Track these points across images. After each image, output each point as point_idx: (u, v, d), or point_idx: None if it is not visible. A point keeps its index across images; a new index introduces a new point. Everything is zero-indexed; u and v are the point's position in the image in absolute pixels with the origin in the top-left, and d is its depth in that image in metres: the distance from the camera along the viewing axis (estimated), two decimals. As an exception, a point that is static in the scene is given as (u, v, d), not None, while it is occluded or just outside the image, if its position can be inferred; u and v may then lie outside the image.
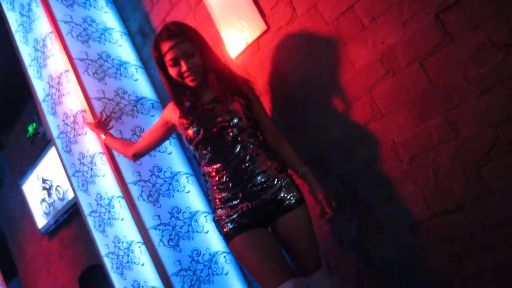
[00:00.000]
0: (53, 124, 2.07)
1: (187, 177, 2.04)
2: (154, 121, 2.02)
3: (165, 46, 1.37)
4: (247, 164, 1.38)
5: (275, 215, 1.40)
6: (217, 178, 1.40)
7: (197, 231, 1.94)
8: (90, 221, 2.03)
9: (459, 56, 1.28)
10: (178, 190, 1.98)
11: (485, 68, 1.24)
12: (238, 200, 1.38)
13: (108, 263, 2.00)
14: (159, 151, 2.00)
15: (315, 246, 1.45)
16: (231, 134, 1.39)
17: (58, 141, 2.06)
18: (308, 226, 1.43)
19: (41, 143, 3.62)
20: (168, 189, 1.94)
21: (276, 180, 1.40)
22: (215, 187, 1.41)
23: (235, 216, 1.37)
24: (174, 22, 1.44)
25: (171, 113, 1.52)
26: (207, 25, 1.87)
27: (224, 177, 1.38)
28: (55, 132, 2.07)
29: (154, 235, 1.79)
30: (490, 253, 1.31)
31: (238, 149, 1.38)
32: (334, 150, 1.61)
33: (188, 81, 1.40)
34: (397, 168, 1.46)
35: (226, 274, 1.95)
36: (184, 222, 1.93)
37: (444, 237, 1.40)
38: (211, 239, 1.96)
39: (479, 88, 1.26)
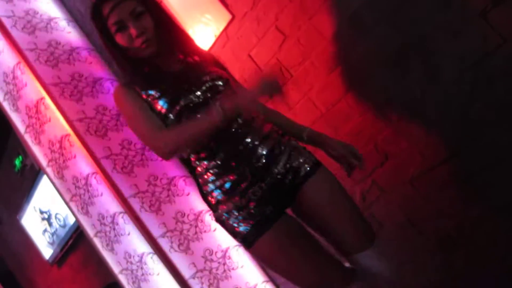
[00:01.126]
0: (40, 154, 2.04)
1: (184, 180, 2.04)
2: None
3: (106, 8, 1.07)
4: (243, 133, 1.09)
5: (294, 188, 1.12)
6: (208, 160, 1.09)
7: (205, 231, 1.95)
8: (97, 241, 2.02)
9: (424, 4, 1.29)
10: (178, 195, 1.98)
11: (450, 11, 1.26)
12: (247, 182, 1.07)
13: (123, 279, 2.00)
14: (151, 159, 1.99)
15: (356, 213, 1.15)
16: (220, 96, 1.09)
17: (48, 170, 2.04)
18: (339, 189, 1.15)
19: (31, 174, 3.59)
20: (168, 195, 1.93)
21: (282, 146, 1.12)
22: (209, 173, 1.10)
23: (249, 207, 1.07)
24: None
25: (132, 89, 1.13)
26: (172, 25, 1.86)
27: (220, 155, 1.08)
28: (43, 162, 2.05)
29: (164, 243, 1.79)
30: (491, 193, 1.34)
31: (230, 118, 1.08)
32: (321, 126, 1.61)
33: (142, 48, 1.09)
34: (388, 127, 1.47)
35: (242, 267, 1.96)
36: (190, 225, 1.93)
37: (445, 185, 1.42)
38: (220, 236, 1.96)
39: (448, 33, 1.27)
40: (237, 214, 1.08)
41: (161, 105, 1.08)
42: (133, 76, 1.13)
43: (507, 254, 1.35)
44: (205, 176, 1.11)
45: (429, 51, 1.32)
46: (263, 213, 1.07)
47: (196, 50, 1.20)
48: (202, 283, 1.82)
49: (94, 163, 1.83)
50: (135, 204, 1.83)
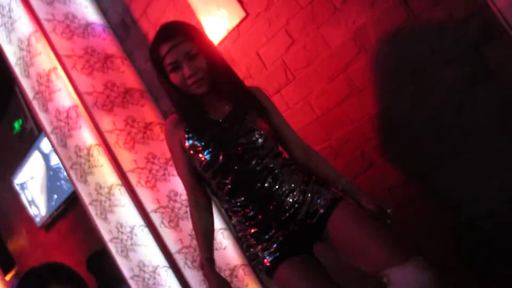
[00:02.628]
0: (45, 120, 2.13)
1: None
2: (144, 110, 2.12)
3: (164, 48, 1.16)
4: (273, 189, 1.18)
5: (317, 228, 1.20)
6: (242, 213, 1.20)
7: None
8: (91, 209, 2.13)
9: (424, 31, 1.40)
10: (173, 175, 2.09)
11: (448, 40, 1.37)
12: (273, 231, 1.18)
13: (112, 248, 2.12)
14: (152, 138, 2.10)
15: (385, 230, 1.16)
16: (256, 157, 1.18)
17: (52, 136, 2.13)
18: (360, 215, 1.19)
19: (29, 138, 3.66)
20: (164, 174, 2.05)
21: (306, 193, 1.20)
22: (243, 223, 1.21)
23: (273, 247, 1.17)
24: (173, 21, 1.26)
25: (176, 132, 1.24)
26: (187, 15, 1.94)
27: (251, 212, 1.19)
28: (48, 128, 2.14)
29: (155, 218, 1.91)
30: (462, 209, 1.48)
31: (263, 175, 1.18)
32: (315, 128, 1.73)
33: (194, 88, 1.17)
34: (375, 139, 1.60)
35: (225, 249, 2.09)
36: (181, 204, 2.04)
37: (418, 197, 1.56)
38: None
39: (442, 59, 1.39)
40: (265, 254, 1.19)
41: (204, 156, 1.18)
42: (184, 116, 1.24)
43: (463, 266, 1.50)
44: (241, 225, 1.22)
45: (424, 72, 1.44)
46: (285, 249, 1.17)
47: (244, 91, 1.27)
48: (186, 259, 1.95)
49: (98, 136, 1.94)
50: (133, 178, 1.94)
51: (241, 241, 1.28)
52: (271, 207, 1.18)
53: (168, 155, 2.10)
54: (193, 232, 1.95)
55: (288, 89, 1.76)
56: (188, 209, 1.99)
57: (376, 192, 1.64)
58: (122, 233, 2.02)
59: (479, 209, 1.44)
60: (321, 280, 1.15)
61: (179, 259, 1.90)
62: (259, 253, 1.19)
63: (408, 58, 1.45)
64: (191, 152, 1.21)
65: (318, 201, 1.20)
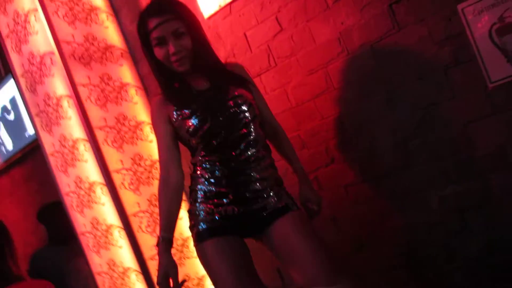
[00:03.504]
0: (17, 62, 2.06)
1: (150, 126, 2.16)
2: (122, 71, 2.09)
3: (152, 23, 1.19)
4: (248, 165, 1.22)
5: (263, 224, 1.24)
6: (210, 170, 1.23)
7: (157, 178, 2.09)
8: (52, 160, 2.10)
9: (404, 44, 1.48)
10: (141, 139, 2.09)
11: (422, 57, 1.46)
12: (226, 201, 1.22)
13: (68, 201, 2.11)
14: (126, 99, 2.08)
15: (324, 251, 1.17)
16: (243, 119, 1.22)
17: (22, 80, 2.06)
18: (307, 227, 1.23)
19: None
20: (132, 137, 2.05)
21: (272, 192, 1.25)
22: (204, 179, 1.25)
23: (215, 216, 1.22)
24: None
25: (164, 108, 1.27)
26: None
27: (220, 171, 1.22)
28: (19, 70, 2.07)
29: (117, 178, 1.92)
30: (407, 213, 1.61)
31: (247, 142, 1.22)
32: (288, 117, 1.79)
33: (176, 65, 1.21)
34: (340, 137, 1.68)
35: (181, 219, 2.13)
36: (145, 169, 2.06)
37: (371, 197, 1.67)
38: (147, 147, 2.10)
39: (414, 75, 1.48)
40: (204, 218, 1.23)
41: (192, 122, 1.21)
42: (168, 90, 1.27)
43: (401, 265, 1.63)
44: (201, 180, 1.26)
45: (396, 83, 1.52)
46: (223, 225, 1.22)
47: (225, 70, 1.31)
48: (141, 222, 1.97)
49: (71, 87, 1.90)
50: (100, 136, 1.93)
51: (192, 193, 1.29)
52: (238, 180, 1.22)
53: (138, 117, 2.11)
54: (152, 198, 2.00)
55: (268, 75, 1.80)
56: (150, 175, 2.03)
57: (333, 187, 1.74)
58: (80, 188, 2.01)
59: (421, 216, 1.56)
60: (241, 269, 1.17)
61: (134, 222, 1.93)
62: (201, 212, 1.23)
63: (383, 67, 1.53)
64: (180, 119, 1.23)
65: (277, 202, 1.25)
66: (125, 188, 1.94)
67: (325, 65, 1.65)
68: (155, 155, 2.11)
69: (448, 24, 1.39)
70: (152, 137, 2.13)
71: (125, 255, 1.95)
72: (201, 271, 2.13)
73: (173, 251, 1.96)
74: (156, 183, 2.05)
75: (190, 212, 1.28)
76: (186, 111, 1.22)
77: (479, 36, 1.36)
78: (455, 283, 1.55)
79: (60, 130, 2.00)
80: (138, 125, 2.09)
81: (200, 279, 2.15)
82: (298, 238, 1.18)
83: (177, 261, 1.96)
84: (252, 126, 1.24)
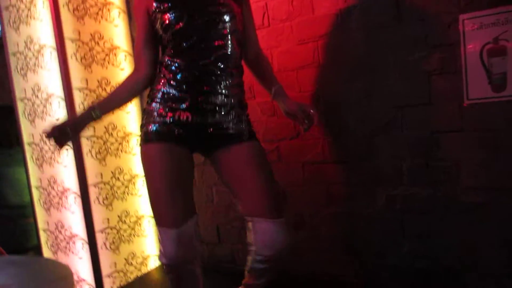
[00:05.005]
0: None
1: (125, 55, 2.06)
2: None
3: None
4: (217, 77, 1.17)
5: (217, 143, 1.22)
6: (174, 72, 1.17)
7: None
8: (13, 61, 1.96)
9: (398, 39, 1.46)
10: (113, 64, 2.00)
11: (411, 57, 1.45)
12: (183, 107, 1.17)
13: (20, 107, 2.00)
14: (106, 19, 1.96)
15: (270, 185, 1.20)
16: (221, 30, 1.16)
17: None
18: (260, 161, 1.22)
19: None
20: (104, 59, 1.95)
21: (234, 112, 1.21)
22: (165, 80, 1.19)
23: (169, 120, 1.17)
24: None
25: (145, 2, 1.20)
26: None
27: (182, 76, 1.16)
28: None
29: (77, 97, 1.83)
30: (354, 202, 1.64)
31: (219, 55, 1.17)
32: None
33: None
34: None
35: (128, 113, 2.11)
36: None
37: (322, 181, 1.69)
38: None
39: (399, 72, 1.47)
40: (156, 119, 1.18)
41: (169, 17, 1.15)
42: None
43: (336, 249, 1.69)
44: (162, 80, 1.20)
45: (379, 75, 1.51)
46: (173, 132, 1.17)
47: None
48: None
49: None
50: (70, 48, 1.81)
51: (151, 92, 1.24)
52: (199, 89, 1.17)
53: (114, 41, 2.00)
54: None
55: (259, 34, 1.72)
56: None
57: (291, 161, 1.74)
58: (37, 97, 1.90)
59: (365, 208, 1.60)
60: (179, 184, 1.15)
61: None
62: (154, 113, 1.19)
63: (372, 56, 1.51)
64: (157, 11, 1.17)
65: (235, 124, 1.22)
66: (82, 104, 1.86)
67: (317, 39, 1.61)
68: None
69: (446, 31, 1.38)
70: (123, 65, 2.05)
71: (65, 175, 1.90)
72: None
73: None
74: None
75: (145, 110, 1.24)
76: (165, 4, 1.16)
77: (471, 51, 1.36)
78: (381, 279, 1.62)
79: (28, 30, 1.86)
80: (114, 49, 1.99)
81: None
82: (251, 170, 1.19)
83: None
84: (230, 40, 1.18)
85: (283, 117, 1.69)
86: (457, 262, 1.45)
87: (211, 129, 1.19)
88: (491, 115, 1.34)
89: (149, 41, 1.23)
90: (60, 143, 1.19)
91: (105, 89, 1.96)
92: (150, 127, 1.19)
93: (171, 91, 1.18)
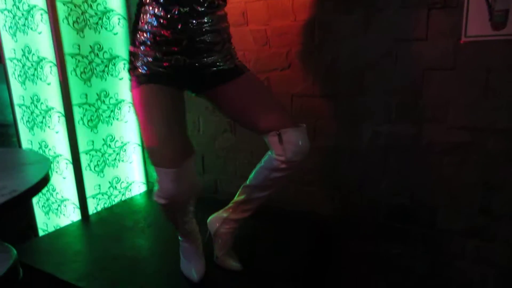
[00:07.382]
0: None
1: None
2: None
3: None
4: (207, 13, 1.14)
5: (212, 83, 1.23)
6: (165, 11, 1.11)
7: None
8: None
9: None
10: (106, 29, 1.97)
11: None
12: (177, 49, 1.14)
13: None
14: None
15: (280, 103, 1.28)
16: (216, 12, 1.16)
17: None
18: (263, 85, 1.28)
19: None
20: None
21: (225, 46, 1.22)
22: (155, 18, 1.12)
23: (163, 63, 1.15)
24: None
25: None
26: None
27: (173, 14, 1.11)
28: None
29: (69, 64, 1.81)
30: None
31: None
32: (260, 9, 1.67)
33: None
34: (307, 45, 1.62)
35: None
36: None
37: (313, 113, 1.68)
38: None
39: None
40: (148, 61, 1.15)
41: None
42: None
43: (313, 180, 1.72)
44: (152, 17, 1.13)
45: (378, 3, 1.43)
46: (169, 75, 1.15)
47: None
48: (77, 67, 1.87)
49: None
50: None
51: (137, 33, 1.18)
52: (194, 27, 1.13)
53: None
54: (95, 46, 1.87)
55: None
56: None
57: (281, 93, 1.71)
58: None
59: (349, 144, 1.62)
60: (175, 118, 1.15)
61: (69, 65, 1.81)
62: (144, 55, 1.15)
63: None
64: None
65: (228, 60, 1.23)
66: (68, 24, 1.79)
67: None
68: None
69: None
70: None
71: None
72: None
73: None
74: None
75: (134, 54, 1.18)
76: None
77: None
78: (358, 213, 1.66)
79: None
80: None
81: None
82: (260, 92, 1.26)
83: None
84: None
85: (276, 47, 1.66)
86: (430, 199, 1.49)
87: (206, 70, 1.20)
88: (486, 55, 1.30)
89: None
90: None
91: (97, 55, 1.90)
92: (141, 70, 1.16)
93: (164, 31, 1.12)
